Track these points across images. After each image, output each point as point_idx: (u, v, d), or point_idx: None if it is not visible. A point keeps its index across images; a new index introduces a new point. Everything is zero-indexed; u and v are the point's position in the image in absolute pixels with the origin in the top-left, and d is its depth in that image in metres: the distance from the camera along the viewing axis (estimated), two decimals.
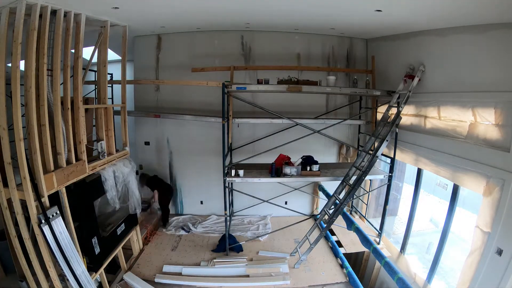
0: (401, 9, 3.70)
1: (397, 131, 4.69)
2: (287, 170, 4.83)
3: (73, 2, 3.38)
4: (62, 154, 3.34)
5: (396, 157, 4.87)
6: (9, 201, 3.15)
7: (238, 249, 5.22)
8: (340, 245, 5.27)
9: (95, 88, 5.40)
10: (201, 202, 6.68)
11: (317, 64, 6.09)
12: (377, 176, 5.08)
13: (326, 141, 6.03)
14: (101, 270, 3.86)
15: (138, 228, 5.08)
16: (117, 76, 5.15)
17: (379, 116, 5.30)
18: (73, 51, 3.66)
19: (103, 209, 4.31)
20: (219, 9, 4.30)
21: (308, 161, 4.99)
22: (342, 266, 4.69)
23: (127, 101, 4.72)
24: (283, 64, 5.89)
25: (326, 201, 5.27)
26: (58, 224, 3.16)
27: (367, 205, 6.15)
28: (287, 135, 5.54)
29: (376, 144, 4.75)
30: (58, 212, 3.20)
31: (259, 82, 4.83)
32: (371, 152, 4.68)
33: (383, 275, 4.89)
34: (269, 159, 5.04)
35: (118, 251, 4.37)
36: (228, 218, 5.09)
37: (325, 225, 4.82)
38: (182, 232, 5.86)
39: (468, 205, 5.10)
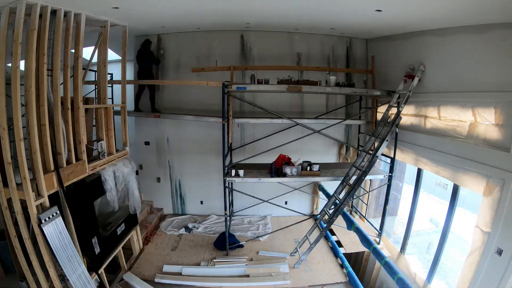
0: (401, 9, 3.71)
1: (397, 131, 4.69)
2: (287, 170, 4.83)
3: (73, 2, 3.38)
4: (62, 154, 3.34)
5: (396, 157, 4.87)
6: (9, 201, 3.15)
7: (239, 246, 5.27)
8: (340, 245, 5.27)
9: (95, 88, 5.39)
10: (201, 202, 6.68)
11: (317, 64, 6.09)
12: (377, 176, 5.08)
13: (326, 141, 6.02)
14: (101, 270, 3.86)
15: (138, 228, 5.08)
16: (117, 76, 5.14)
17: (379, 116, 5.30)
18: (73, 51, 3.66)
19: (103, 209, 4.31)
20: (219, 9, 4.30)
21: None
22: (342, 266, 4.68)
23: (127, 101, 4.72)
24: (283, 64, 5.89)
25: (326, 201, 5.27)
26: (58, 224, 3.16)
27: (367, 205, 6.15)
28: (287, 135, 5.53)
29: (376, 144, 4.75)
30: (58, 212, 3.20)
31: (259, 82, 4.83)
32: (371, 152, 4.68)
33: (383, 275, 4.88)
34: (269, 159, 5.04)
35: (118, 251, 4.37)
36: (228, 218, 5.09)
37: (325, 225, 4.82)
38: (183, 232, 5.86)
39: (468, 205, 5.10)
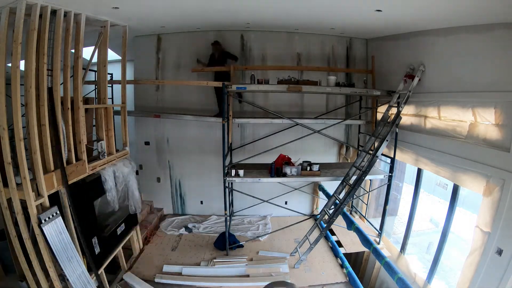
0: (401, 9, 3.71)
1: (397, 131, 4.69)
2: (287, 170, 4.83)
3: (73, 2, 3.38)
4: (62, 154, 3.33)
5: (396, 157, 4.87)
6: (9, 201, 3.15)
7: (239, 246, 5.28)
8: (340, 245, 5.27)
9: (95, 88, 5.39)
10: (201, 202, 6.68)
11: (317, 64, 6.09)
12: (377, 176, 5.08)
13: (326, 141, 6.03)
14: (101, 270, 3.86)
15: (138, 228, 5.08)
16: (117, 76, 5.14)
17: (379, 116, 5.30)
18: (73, 51, 3.66)
19: (103, 209, 4.31)
20: (219, 9, 4.30)
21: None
22: (342, 266, 4.69)
23: (127, 101, 4.72)
24: (283, 64, 5.90)
25: (326, 201, 5.27)
26: (58, 224, 3.16)
27: (367, 205, 6.15)
28: (287, 135, 5.54)
29: (376, 144, 4.75)
30: (58, 212, 3.20)
31: (259, 82, 4.83)
32: (371, 152, 4.68)
33: (383, 275, 4.88)
34: (269, 159, 5.04)
35: (118, 251, 4.37)
36: (228, 218, 5.09)
37: (325, 225, 4.82)
38: (183, 232, 5.85)
39: (468, 205, 5.10)
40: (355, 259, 5.93)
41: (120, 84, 4.68)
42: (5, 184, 3.09)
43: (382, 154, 4.91)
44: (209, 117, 5.58)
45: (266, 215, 6.52)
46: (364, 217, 6.10)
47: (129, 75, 5.71)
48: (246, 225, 6.20)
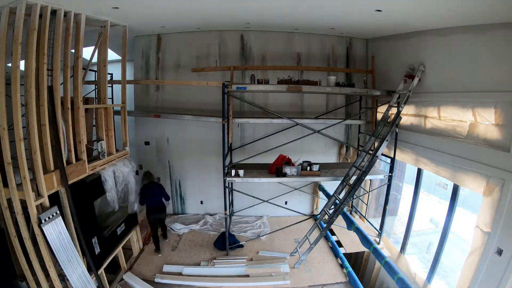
0: (401, 9, 3.71)
1: (397, 131, 4.69)
2: (287, 170, 4.82)
3: (73, 2, 3.38)
4: (62, 154, 3.33)
5: (396, 157, 4.87)
6: (9, 201, 3.15)
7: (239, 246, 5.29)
8: (340, 245, 5.27)
9: (95, 88, 5.39)
10: (201, 202, 6.68)
11: (317, 64, 6.09)
12: (377, 176, 5.08)
13: (326, 141, 6.03)
14: (101, 270, 3.86)
15: (138, 228, 5.09)
16: (117, 76, 5.15)
17: (379, 116, 5.30)
18: (73, 51, 3.66)
19: (103, 209, 4.31)
20: (219, 9, 4.30)
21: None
22: (342, 266, 4.69)
23: (127, 101, 4.72)
24: (283, 64, 5.90)
25: (326, 201, 5.27)
26: (58, 224, 3.16)
27: (367, 205, 6.15)
28: (287, 135, 5.54)
29: (376, 144, 4.75)
30: (58, 212, 3.20)
31: (259, 82, 4.83)
32: (371, 152, 4.68)
33: (383, 275, 4.88)
34: (269, 159, 5.04)
35: (118, 251, 4.37)
36: (228, 218, 5.08)
37: (325, 225, 4.82)
38: (183, 232, 5.85)
39: (468, 205, 5.10)
40: (355, 259, 5.93)
41: (120, 84, 4.68)
42: (5, 184, 3.09)
43: (382, 154, 4.91)
44: (209, 117, 5.58)
45: (266, 215, 6.51)
46: (364, 217, 6.10)
47: (129, 75, 5.71)
48: (245, 224, 6.20)
